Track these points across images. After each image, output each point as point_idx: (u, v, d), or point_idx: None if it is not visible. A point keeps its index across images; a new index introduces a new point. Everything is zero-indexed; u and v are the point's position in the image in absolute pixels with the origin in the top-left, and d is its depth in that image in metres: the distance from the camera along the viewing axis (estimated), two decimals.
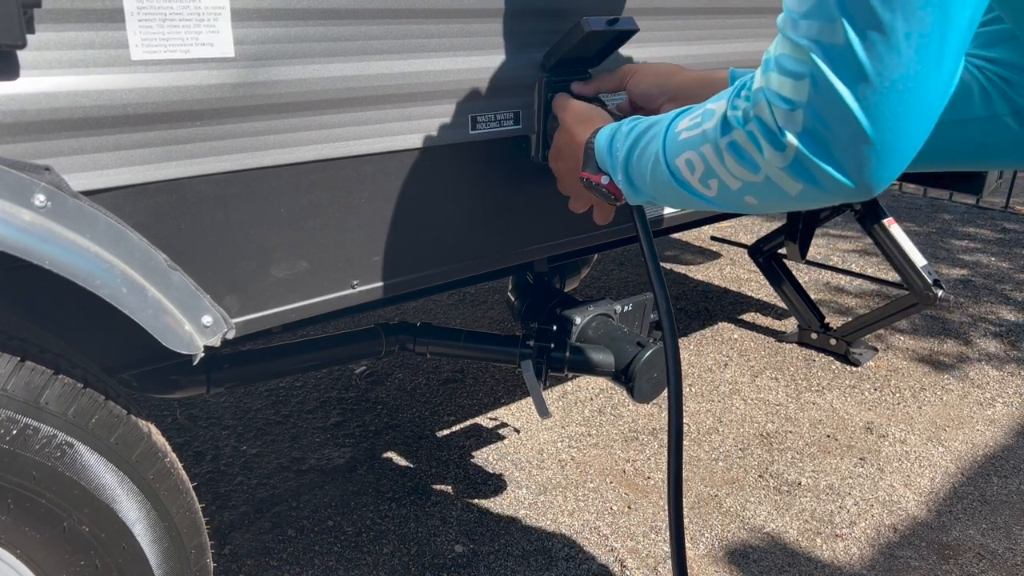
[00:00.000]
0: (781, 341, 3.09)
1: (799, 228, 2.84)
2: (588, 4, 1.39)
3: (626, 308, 1.80)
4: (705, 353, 3.00)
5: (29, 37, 0.87)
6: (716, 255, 4.07)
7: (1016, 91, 1.02)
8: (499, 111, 1.34)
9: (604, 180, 1.12)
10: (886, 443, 2.45)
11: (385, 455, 2.33)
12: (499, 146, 1.38)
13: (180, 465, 1.13)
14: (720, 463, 2.33)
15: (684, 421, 2.53)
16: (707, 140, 0.88)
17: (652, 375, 1.63)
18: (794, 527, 2.08)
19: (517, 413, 2.57)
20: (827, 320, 3.01)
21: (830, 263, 3.85)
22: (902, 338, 3.15)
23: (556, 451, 2.37)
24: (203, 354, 1.03)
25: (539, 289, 1.88)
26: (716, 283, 3.70)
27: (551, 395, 2.68)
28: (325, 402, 2.61)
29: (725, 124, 0.85)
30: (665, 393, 1.33)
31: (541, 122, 1.38)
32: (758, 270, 3.25)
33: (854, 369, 2.89)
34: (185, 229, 1.07)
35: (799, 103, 0.75)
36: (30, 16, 0.86)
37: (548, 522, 2.07)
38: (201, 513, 1.15)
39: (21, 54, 0.89)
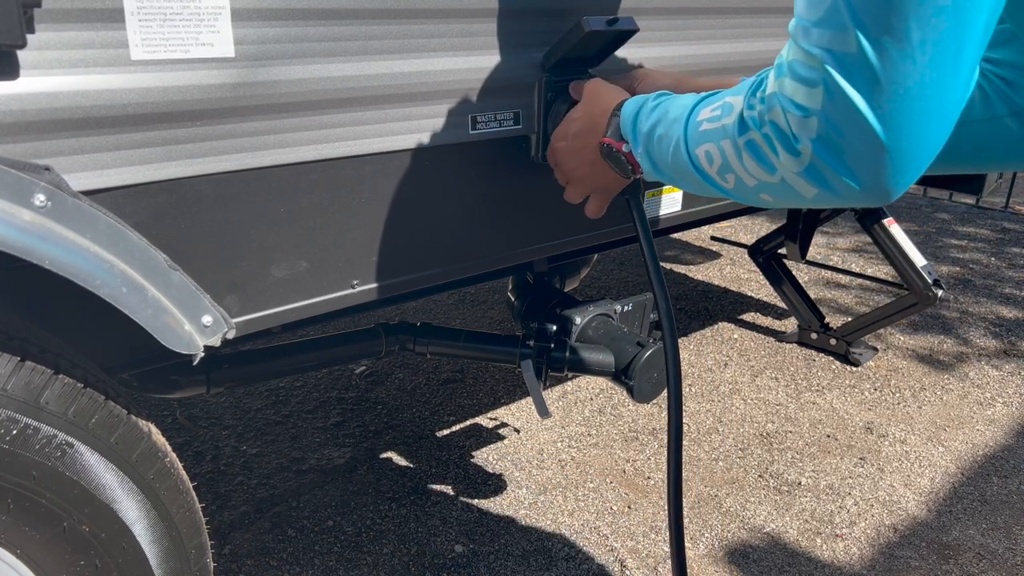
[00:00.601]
0: (781, 341, 3.09)
1: (799, 228, 2.84)
2: (588, 4, 1.39)
3: (626, 308, 1.80)
4: (705, 353, 3.00)
5: (29, 37, 0.87)
6: (716, 255, 4.07)
7: (1016, 91, 1.02)
8: (499, 111, 1.34)
9: (625, 148, 1.11)
10: (886, 443, 2.45)
11: (385, 455, 2.33)
12: (499, 146, 1.38)
13: (180, 465, 1.13)
14: (720, 463, 2.33)
15: (684, 421, 2.54)
16: (726, 135, 0.88)
17: (652, 375, 1.63)
18: (794, 527, 2.08)
19: (517, 413, 2.57)
20: (827, 320, 3.01)
21: (830, 263, 3.85)
22: (902, 338, 3.15)
23: (556, 451, 2.37)
24: (203, 354, 1.03)
25: (539, 289, 1.88)
26: (716, 283, 3.70)
27: (551, 395, 2.68)
28: (325, 402, 2.61)
29: (742, 123, 0.85)
30: (665, 393, 1.33)
31: (541, 122, 1.38)
32: (758, 270, 3.25)
33: (854, 369, 2.89)
34: (185, 229, 1.07)
35: (813, 110, 0.74)
36: (30, 16, 0.86)
37: (548, 522, 2.07)
38: (201, 513, 1.15)
39: (21, 54, 0.89)
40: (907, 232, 2.79)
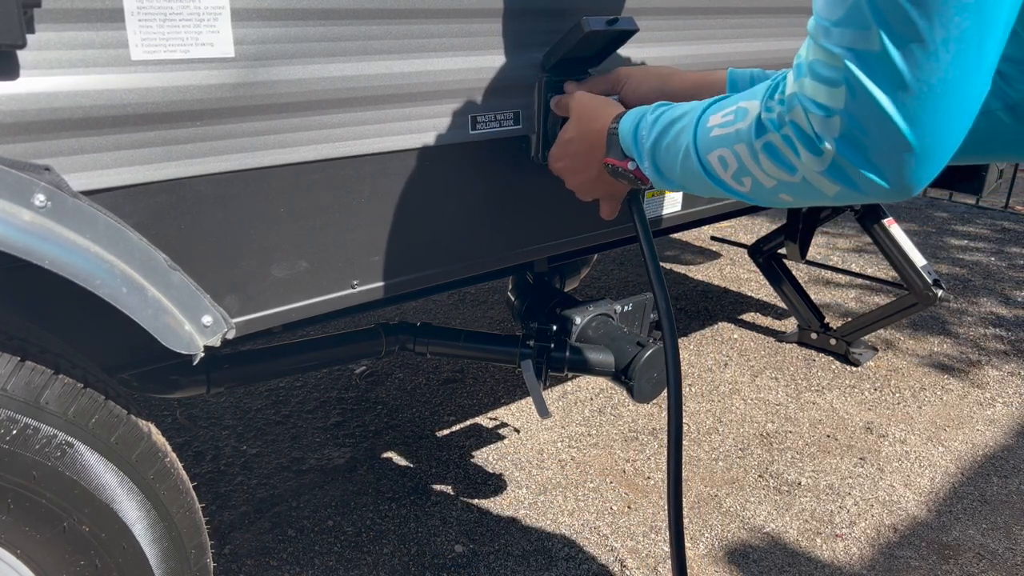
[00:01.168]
0: (781, 341, 3.09)
1: (799, 228, 2.84)
2: (588, 4, 1.39)
3: (626, 308, 1.80)
4: (705, 353, 3.00)
5: (29, 37, 0.87)
6: (716, 255, 4.07)
7: (1010, 85, 1.01)
8: (499, 111, 1.34)
9: (631, 166, 1.10)
10: (886, 443, 2.45)
11: (385, 455, 2.33)
12: (499, 146, 1.38)
13: (180, 465, 1.13)
14: (720, 463, 2.33)
15: (684, 421, 2.53)
16: (741, 139, 0.88)
17: (652, 375, 1.63)
18: (794, 527, 2.08)
19: (517, 413, 2.57)
20: (827, 320, 3.01)
21: (830, 263, 3.85)
22: (902, 338, 3.15)
23: (556, 451, 2.37)
24: (203, 354, 1.03)
25: (539, 289, 1.88)
26: (716, 283, 3.70)
27: (551, 395, 2.68)
28: (325, 402, 2.61)
29: (760, 126, 0.85)
30: (665, 393, 1.33)
31: (541, 122, 1.38)
32: (758, 270, 3.25)
33: (854, 369, 2.89)
34: (185, 229, 1.07)
35: (836, 110, 0.74)
36: (30, 16, 0.86)
37: (548, 522, 2.07)
38: (201, 513, 1.15)
39: (21, 54, 0.89)
40: (907, 232, 2.79)
